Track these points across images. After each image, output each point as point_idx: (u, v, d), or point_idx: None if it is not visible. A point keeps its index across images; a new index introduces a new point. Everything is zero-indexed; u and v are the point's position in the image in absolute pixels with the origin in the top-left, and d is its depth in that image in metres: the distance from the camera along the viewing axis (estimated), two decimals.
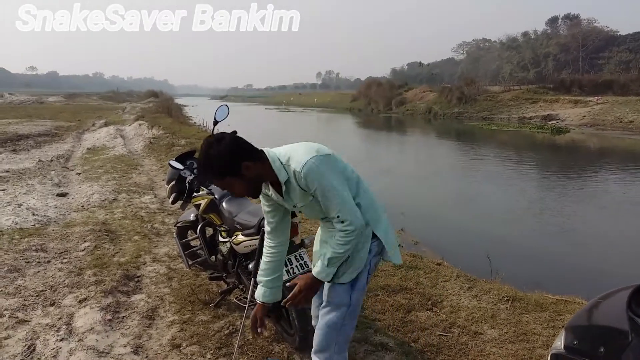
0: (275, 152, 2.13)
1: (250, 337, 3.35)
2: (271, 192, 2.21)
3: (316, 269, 2.16)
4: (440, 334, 3.53)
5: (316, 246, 2.45)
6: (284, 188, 2.13)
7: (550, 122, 36.42)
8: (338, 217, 2.04)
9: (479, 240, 7.68)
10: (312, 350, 2.31)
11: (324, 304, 2.27)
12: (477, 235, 8.19)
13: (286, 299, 2.22)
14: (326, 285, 2.25)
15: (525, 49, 75.29)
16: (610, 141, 27.00)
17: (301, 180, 2.03)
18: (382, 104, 57.86)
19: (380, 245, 2.23)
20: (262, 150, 2.14)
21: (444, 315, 3.83)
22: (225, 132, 2.15)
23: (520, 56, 74.65)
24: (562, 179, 15.10)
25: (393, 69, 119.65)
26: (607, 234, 8.67)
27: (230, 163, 2.03)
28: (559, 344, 1.39)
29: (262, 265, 2.40)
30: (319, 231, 2.42)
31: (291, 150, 2.11)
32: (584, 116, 36.73)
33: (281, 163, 2.08)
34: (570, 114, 38.10)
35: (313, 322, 2.58)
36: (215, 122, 4.01)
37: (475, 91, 48.45)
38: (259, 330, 2.39)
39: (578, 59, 66.86)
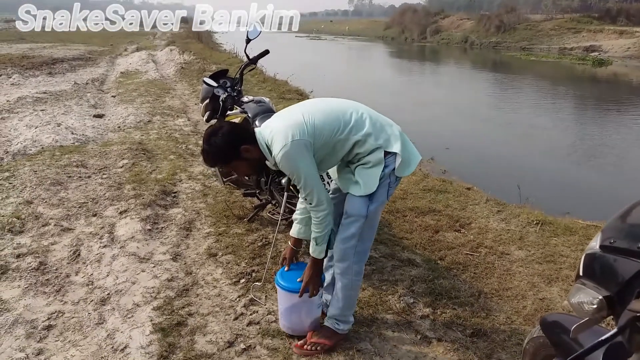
0: (263, 134, 2.28)
1: (283, 249, 3.49)
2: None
3: (311, 249, 2.39)
4: (467, 253, 3.60)
5: (334, 174, 2.54)
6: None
7: (592, 54, 34.61)
8: (306, 199, 2.27)
9: (510, 170, 7.58)
10: (334, 259, 2.45)
11: (344, 215, 2.37)
12: (508, 164, 8.09)
13: (301, 291, 2.42)
14: (347, 198, 2.37)
15: None
16: None
17: (278, 164, 2.24)
18: (416, 32, 55.79)
19: (396, 160, 2.28)
20: (254, 133, 2.32)
21: (472, 236, 3.89)
22: (222, 122, 2.35)
23: None
24: (599, 111, 14.59)
25: None
26: None
27: (230, 149, 2.27)
28: (594, 244, 1.39)
29: (298, 205, 2.56)
30: None
31: (274, 130, 2.24)
32: (629, 48, 34.68)
33: (266, 145, 2.26)
34: (614, 45, 36.05)
35: (326, 275, 2.70)
36: (248, 40, 3.99)
37: (515, 19, 46.09)
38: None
39: None
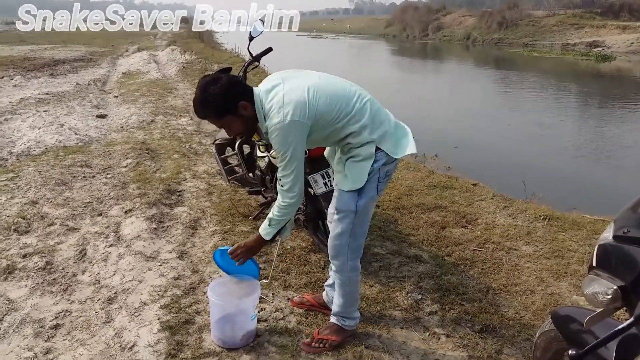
0: (261, 97, 2.19)
1: (289, 247, 3.48)
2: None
3: (262, 225, 2.34)
4: (474, 249, 3.59)
5: (332, 164, 2.51)
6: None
7: (595, 49, 34.43)
8: (280, 179, 2.21)
9: (514, 166, 7.54)
10: (329, 257, 2.45)
11: (335, 212, 2.36)
12: (512, 161, 8.04)
13: (229, 251, 2.39)
14: (337, 194, 2.37)
15: None
16: None
17: (269, 135, 2.16)
18: (417, 29, 55.78)
19: (387, 156, 2.26)
20: (252, 91, 2.21)
21: (479, 232, 3.88)
22: (221, 73, 2.22)
23: None
24: (603, 107, 14.55)
25: None
26: None
27: (227, 102, 2.15)
28: (607, 235, 1.38)
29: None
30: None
31: (275, 98, 2.14)
32: (632, 43, 34.54)
33: (262, 109, 2.17)
34: (617, 40, 35.92)
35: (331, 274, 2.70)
36: (251, 38, 3.97)
37: (517, 16, 45.99)
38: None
39: None
